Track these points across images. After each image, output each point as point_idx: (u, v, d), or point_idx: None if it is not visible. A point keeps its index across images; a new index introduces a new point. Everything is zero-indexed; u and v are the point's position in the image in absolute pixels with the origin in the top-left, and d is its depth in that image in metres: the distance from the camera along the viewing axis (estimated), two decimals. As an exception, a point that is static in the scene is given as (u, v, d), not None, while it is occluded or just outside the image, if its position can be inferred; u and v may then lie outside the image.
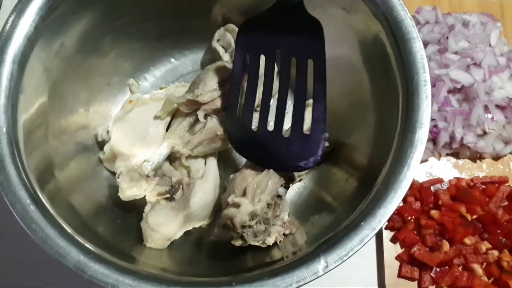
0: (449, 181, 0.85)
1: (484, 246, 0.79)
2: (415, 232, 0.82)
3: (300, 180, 0.83)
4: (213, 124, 0.74)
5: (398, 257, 0.81)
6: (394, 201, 0.58)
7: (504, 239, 0.79)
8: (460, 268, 0.79)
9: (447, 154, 0.87)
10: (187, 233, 0.76)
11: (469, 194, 0.81)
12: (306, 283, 0.55)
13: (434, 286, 0.79)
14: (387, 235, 0.82)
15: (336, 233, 0.59)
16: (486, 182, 0.84)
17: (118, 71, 0.84)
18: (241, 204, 0.64)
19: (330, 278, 0.81)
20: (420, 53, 0.65)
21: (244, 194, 0.66)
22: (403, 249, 0.81)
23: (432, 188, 0.84)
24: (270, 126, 0.70)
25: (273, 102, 0.71)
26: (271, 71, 0.70)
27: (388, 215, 0.58)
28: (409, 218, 0.82)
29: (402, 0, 0.68)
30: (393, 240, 0.82)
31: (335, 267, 0.56)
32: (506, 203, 0.82)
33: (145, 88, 0.88)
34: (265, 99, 0.70)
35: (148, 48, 0.85)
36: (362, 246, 0.57)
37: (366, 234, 0.58)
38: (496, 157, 0.87)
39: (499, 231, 0.79)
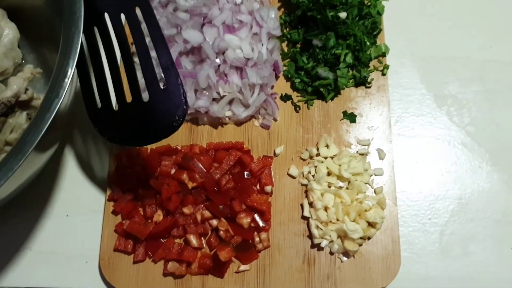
0: (182, 147, 0.80)
1: (200, 215, 0.75)
2: (140, 203, 0.77)
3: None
4: None
5: (115, 230, 0.76)
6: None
7: (222, 207, 0.74)
8: (182, 240, 0.75)
9: (186, 121, 0.82)
10: None
11: (191, 161, 0.76)
12: None
13: (151, 260, 0.74)
14: (109, 207, 0.77)
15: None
16: (219, 148, 0.79)
17: None
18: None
19: (53, 253, 0.77)
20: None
21: None
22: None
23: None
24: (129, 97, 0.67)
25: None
26: (109, 40, 0.67)
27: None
28: (130, 188, 0.77)
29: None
30: (115, 212, 0.77)
31: None
32: (238, 169, 0.78)
33: None
34: (113, 72, 0.67)
35: None
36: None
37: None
38: (239, 123, 0.82)
39: (220, 199, 0.75)
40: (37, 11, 0.77)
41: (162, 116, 0.64)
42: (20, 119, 0.76)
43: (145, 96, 0.65)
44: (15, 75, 0.77)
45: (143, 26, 0.66)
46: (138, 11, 0.67)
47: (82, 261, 0.77)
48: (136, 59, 0.68)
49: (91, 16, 0.66)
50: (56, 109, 0.57)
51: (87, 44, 0.68)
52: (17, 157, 0.56)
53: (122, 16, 0.68)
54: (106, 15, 0.67)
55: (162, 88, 0.64)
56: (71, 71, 0.59)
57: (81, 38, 0.61)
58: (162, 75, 0.64)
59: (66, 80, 0.59)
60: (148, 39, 0.67)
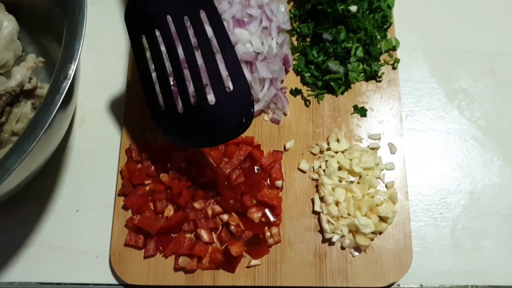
0: (191, 143, 0.80)
1: (211, 210, 0.74)
2: (150, 197, 0.76)
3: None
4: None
5: (125, 225, 0.76)
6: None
7: (232, 202, 0.74)
8: (193, 235, 0.75)
9: (196, 115, 0.82)
10: None
11: (202, 156, 0.76)
12: None
13: (162, 255, 0.74)
14: (119, 201, 0.77)
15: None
16: (228, 143, 0.79)
17: None
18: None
19: (63, 249, 0.77)
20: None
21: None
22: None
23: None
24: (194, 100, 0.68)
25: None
26: (173, 43, 0.67)
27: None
28: (140, 183, 0.76)
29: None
30: (126, 207, 0.77)
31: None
32: (248, 164, 0.78)
33: None
34: (177, 75, 0.68)
35: None
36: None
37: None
38: (249, 117, 0.82)
39: (231, 194, 0.75)
40: (35, 2, 0.78)
41: (229, 119, 0.65)
42: (25, 109, 0.76)
43: (211, 99, 0.66)
44: (17, 65, 0.77)
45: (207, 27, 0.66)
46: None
47: (92, 256, 0.76)
48: (200, 62, 0.68)
49: (153, 19, 0.67)
50: (66, 90, 0.57)
51: (149, 48, 0.69)
52: (30, 139, 0.55)
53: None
54: (169, 18, 0.67)
55: (229, 91, 0.65)
56: (78, 53, 0.59)
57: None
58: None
59: (74, 61, 0.59)
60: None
